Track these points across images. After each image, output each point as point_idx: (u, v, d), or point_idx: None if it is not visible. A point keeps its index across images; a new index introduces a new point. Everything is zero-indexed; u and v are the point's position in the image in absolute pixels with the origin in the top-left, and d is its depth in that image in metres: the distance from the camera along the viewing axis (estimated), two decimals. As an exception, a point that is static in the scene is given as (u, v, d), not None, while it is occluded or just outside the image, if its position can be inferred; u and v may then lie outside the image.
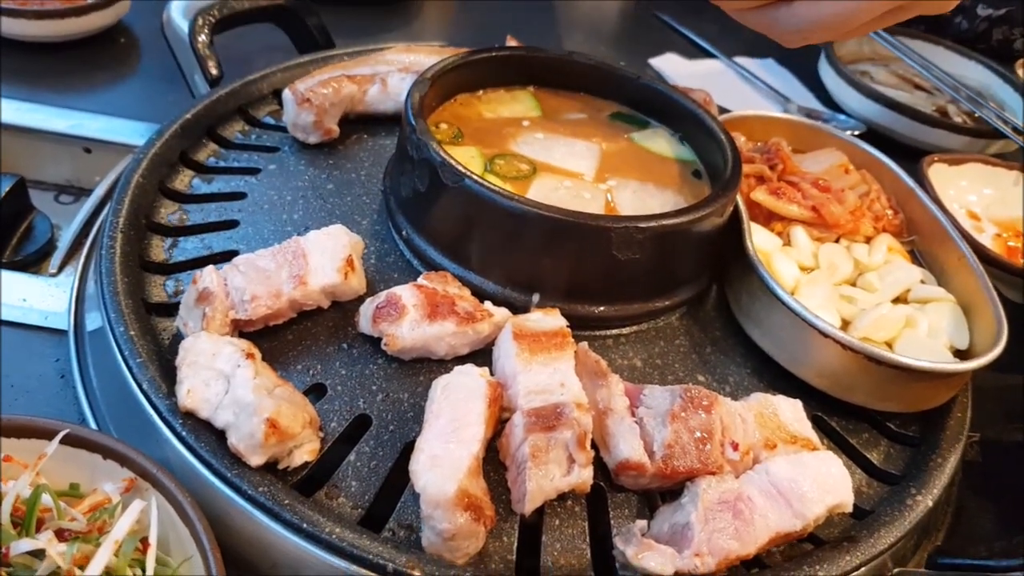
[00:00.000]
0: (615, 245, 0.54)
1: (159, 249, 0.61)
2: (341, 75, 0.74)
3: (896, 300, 0.66)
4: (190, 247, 0.61)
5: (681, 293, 0.60)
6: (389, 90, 0.75)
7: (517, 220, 0.53)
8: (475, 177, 0.54)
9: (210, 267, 0.53)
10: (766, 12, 0.52)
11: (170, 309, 0.56)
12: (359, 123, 0.75)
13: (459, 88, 0.69)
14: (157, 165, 0.65)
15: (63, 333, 0.61)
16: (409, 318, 0.52)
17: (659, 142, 0.69)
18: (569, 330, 0.52)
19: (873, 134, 1.02)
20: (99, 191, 0.71)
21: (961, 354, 0.62)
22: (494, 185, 0.54)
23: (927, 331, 0.62)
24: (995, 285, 0.65)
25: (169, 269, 0.59)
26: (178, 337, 0.53)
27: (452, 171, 0.54)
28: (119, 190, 0.61)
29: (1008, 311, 0.61)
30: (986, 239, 0.91)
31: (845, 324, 0.63)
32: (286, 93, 0.71)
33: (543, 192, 0.61)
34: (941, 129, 1.01)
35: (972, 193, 0.93)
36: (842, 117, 1.02)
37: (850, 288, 0.66)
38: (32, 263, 0.70)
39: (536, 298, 0.56)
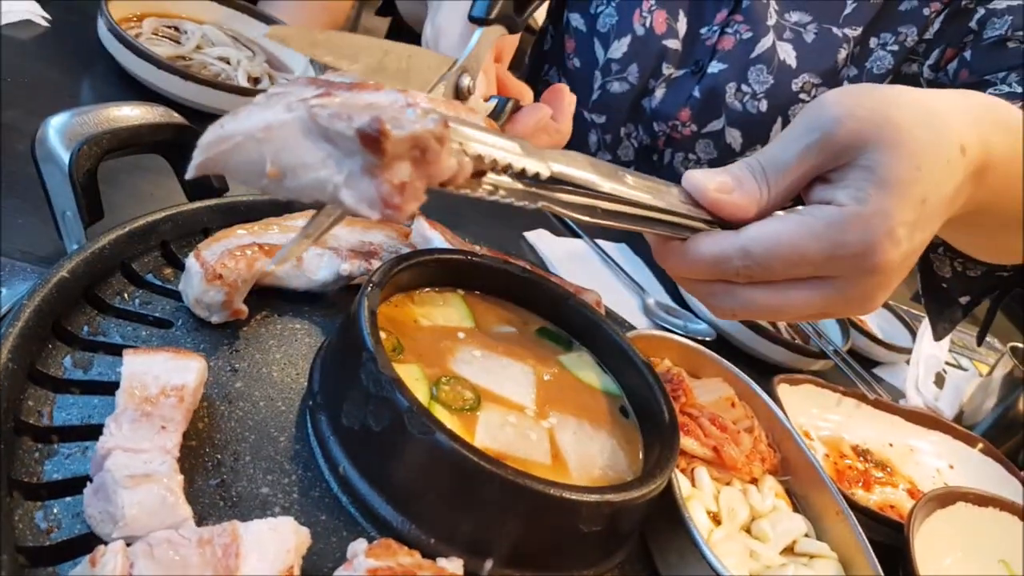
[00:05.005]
0: (582, 519, 0.51)
1: (28, 458, 0.48)
2: (252, 243, 0.66)
3: (784, 550, 0.70)
4: (67, 462, 0.49)
5: (622, 552, 0.59)
6: (304, 267, 0.68)
7: (494, 489, 0.49)
8: (449, 432, 0.49)
9: (118, 545, 0.42)
10: (706, 284, 0.57)
11: (40, 556, 0.44)
12: (262, 296, 0.67)
13: (397, 290, 0.64)
14: (28, 341, 0.52)
15: None
16: (366, 607, 0.45)
17: (585, 370, 0.69)
18: (533, 616, 0.48)
19: (721, 341, 1.10)
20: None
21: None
22: (471, 447, 0.49)
23: (820, 592, 0.66)
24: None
25: (40, 493, 0.47)
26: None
27: (421, 423, 0.49)
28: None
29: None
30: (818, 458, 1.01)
31: (751, 580, 0.65)
32: (191, 263, 0.61)
33: (492, 430, 0.57)
34: (777, 345, 1.11)
35: (820, 419, 1.03)
36: (698, 326, 1.08)
37: (750, 539, 0.69)
38: None
39: (489, 564, 0.51)
